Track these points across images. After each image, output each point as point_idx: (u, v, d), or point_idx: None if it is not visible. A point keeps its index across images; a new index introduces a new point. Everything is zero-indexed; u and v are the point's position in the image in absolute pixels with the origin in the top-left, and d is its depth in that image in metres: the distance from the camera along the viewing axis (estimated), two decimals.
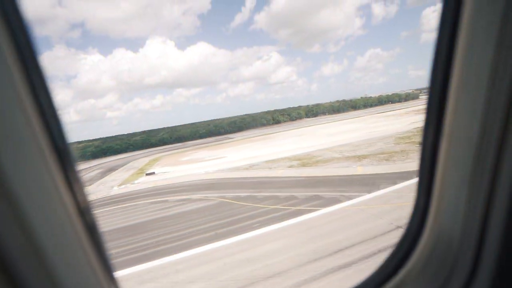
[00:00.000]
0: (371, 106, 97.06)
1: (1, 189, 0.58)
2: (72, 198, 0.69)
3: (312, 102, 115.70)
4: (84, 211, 0.73)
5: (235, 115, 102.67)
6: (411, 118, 42.00)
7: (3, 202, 0.58)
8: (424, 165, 0.92)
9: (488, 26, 0.66)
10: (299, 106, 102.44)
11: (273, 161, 25.34)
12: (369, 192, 13.32)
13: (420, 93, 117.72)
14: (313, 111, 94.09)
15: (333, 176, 17.15)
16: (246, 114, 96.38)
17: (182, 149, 54.00)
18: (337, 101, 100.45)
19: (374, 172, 16.31)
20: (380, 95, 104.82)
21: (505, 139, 0.70)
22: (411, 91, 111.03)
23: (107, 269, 0.81)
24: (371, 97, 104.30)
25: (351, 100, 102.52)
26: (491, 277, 0.81)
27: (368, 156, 20.47)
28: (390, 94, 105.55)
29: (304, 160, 23.03)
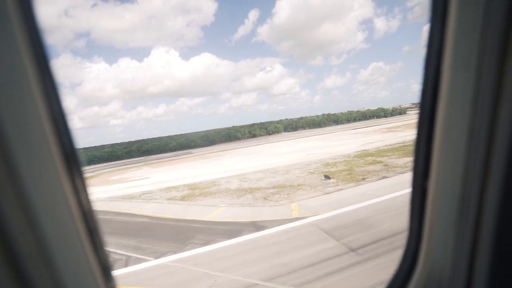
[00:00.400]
0: (354, 120, 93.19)
1: (14, 188, 0.63)
2: (77, 201, 0.73)
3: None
4: (88, 214, 0.76)
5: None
6: (375, 137, 38.15)
7: (16, 201, 0.63)
8: (415, 202, 0.97)
9: (470, 46, 0.73)
10: (286, 119, 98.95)
11: (169, 188, 21.24)
12: (157, 256, 9.20)
13: (410, 108, 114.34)
14: (292, 125, 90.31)
15: (175, 220, 13.01)
16: (226, 127, 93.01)
17: (130, 165, 50.01)
18: (322, 115, 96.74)
19: (221, 220, 12.10)
20: (367, 109, 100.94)
21: (487, 181, 0.76)
22: (398, 106, 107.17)
23: (107, 271, 0.84)
24: (353, 111, 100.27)
25: (334, 114, 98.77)
26: None
27: (259, 190, 16.37)
28: (375, 108, 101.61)
29: (195, 191, 18.92)
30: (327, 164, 21.74)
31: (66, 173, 0.70)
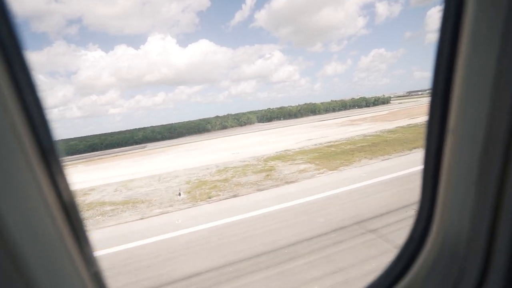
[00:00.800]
0: (333, 110, 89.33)
1: None
2: (57, 197, 0.68)
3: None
4: (70, 210, 0.71)
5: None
6: (327, 131, 34.55)
7: None
8: (428, 167, 0.90)
9: (491, 25, 0.67)
10: (269, 109, 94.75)
11: None
12: None
13: (403, 96, 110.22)
14: (268, 116, 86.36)
15: None
16: (201, 119, 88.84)
17: (68, 163, 46.40)
18: (299, 105, 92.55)
19: None
20: (342, 99, 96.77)
21: None
22: (381, 95, 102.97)
23: (93, 270, 0.79)
24: (333, 100, 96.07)
25: (314, 104, 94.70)
26: (500, 284, 0.78)
27: (104, 205, 12.92)
28: (357, 98, 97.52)
29: None
30: (223, 170, 18.23)
31: (42, 167, 0.65)
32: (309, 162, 16.47)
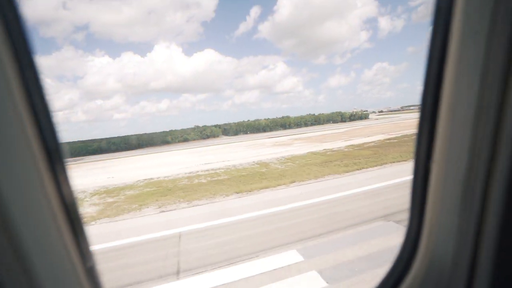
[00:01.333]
0: (305, 125, 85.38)
1: None
2: (59, 195, 0.72)
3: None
4: (70, 208, 0.75)
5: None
6: (253, 151, 30.34)
7: None
8: (416, 188, 0.94)
9: (475, 52, 0.71)
10: (243, 121, 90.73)
11: None
12: None
13: (373, 113, 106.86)
14: (233, 129, 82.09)
15: None
16: (171, 130, 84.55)
17: None
18: (267, 119, 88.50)
19: None
20: (320, 114, 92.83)
21: (494, 165, 0.74)
22: (359, 110, 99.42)
23: (89, 265, 0.82)
24: (307, 115, 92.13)
25: (288, 117, 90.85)
26: None
27: None
28: (333, 112, 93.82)
29: None
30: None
31: (47, 166, 0.69)
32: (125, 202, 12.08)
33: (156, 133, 78.16)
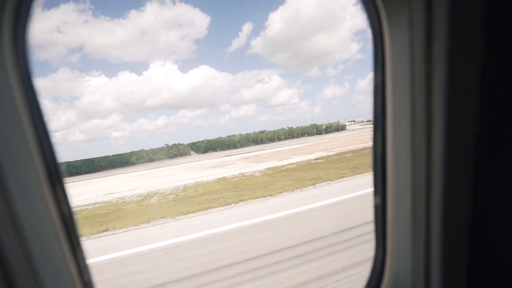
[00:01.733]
0: (279, 139, 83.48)
1: (2, 197, 0.69)
2: (58, 208, 0.79)
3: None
4: (68, 222, 0.82)
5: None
6: (176, 177, 28.00)
7: (3, 208, 0.69)
8: (378, 220, 1.05)
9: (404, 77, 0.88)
10: (241, 134, 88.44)
11: None
12: None
13: (361, 122, 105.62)
14: (203, 147, 79.63)
15: None
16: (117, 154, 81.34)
17: None
18: (240, 135, 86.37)
19: None
20: (296, 127, 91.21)
21: (430, 191, 0.87)
22: (334, 122, 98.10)
23: (86, 278, 0.88)
24: (280, 129, 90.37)
25: (265, 131, 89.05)
26: None
27: None
28: (307, 125, 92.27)
29: None
30: None
31: (48, 183, 0.77)
32: None
33: (125, 154, 75.29)
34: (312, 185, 13.90)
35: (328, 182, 14.15)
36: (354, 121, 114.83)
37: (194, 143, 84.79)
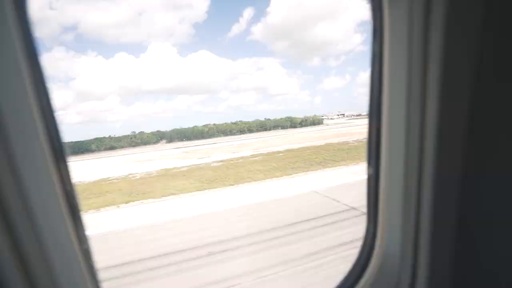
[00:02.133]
0: (250, 131, 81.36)
1: (14, 179, 0.72)
2: (62, 186, 0.83)
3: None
4: (70, 194, 0.86)
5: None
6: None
7: (16, 192, 0.73)
8: (370, 194, 1.11)
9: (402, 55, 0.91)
10: (196, 127, 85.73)
11: None
12: None
13: (330, 118, 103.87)
14: (166, 136, 77.27)
15: None
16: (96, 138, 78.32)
17: None
18: (206, 126, 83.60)
19: None
20: (267, 119, 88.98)
21: (422, 172, 0.92)
22: (312, 115, 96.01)
23: (84, 247, 0.93)
24: (252, 121, 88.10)
25: (236, 122, 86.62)
26: None
27: None
28: (282, 118, 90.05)
29: None
30: None
31: (55, 165, 0.80)
32: None
33: (85, 141, 72.32)
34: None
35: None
36: (344, 114, 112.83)
37: (162, 132, 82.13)
